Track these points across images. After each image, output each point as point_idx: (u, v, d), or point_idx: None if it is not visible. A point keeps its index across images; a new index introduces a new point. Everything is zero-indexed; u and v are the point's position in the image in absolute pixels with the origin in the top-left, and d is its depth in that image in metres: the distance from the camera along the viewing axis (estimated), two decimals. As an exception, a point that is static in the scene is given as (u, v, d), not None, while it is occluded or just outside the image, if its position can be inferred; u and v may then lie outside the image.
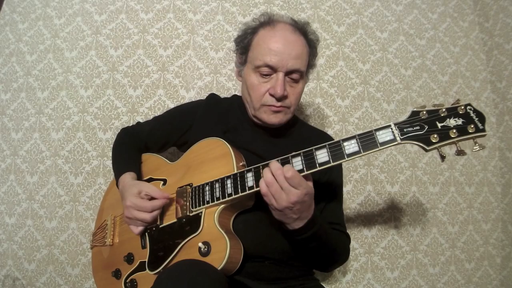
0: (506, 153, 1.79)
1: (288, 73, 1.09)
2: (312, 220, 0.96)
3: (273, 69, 1.08)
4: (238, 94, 1.35)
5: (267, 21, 1.15)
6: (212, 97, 1.32)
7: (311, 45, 1.18)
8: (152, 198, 1.07)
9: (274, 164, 0.92)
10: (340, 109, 1.77)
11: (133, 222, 1.08)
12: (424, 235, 1.73)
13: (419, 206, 1.75)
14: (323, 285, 1.16)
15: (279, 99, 1.09)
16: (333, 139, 1.30)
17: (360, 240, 1.68)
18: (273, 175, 0.90)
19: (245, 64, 1.17)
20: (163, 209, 1.11)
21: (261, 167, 0.97)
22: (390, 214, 1.72)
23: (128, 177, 1.15)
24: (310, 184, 0.93)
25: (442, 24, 1.94)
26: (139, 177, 1.21)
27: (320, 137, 1.26)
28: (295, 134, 1.24)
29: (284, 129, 1.20)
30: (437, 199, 1.77)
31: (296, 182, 0.89)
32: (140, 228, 1.09)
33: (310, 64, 1.20)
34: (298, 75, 1.11)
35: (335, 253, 1.11)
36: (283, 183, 0.89)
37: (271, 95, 1.09)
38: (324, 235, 1.02)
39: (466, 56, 1.93)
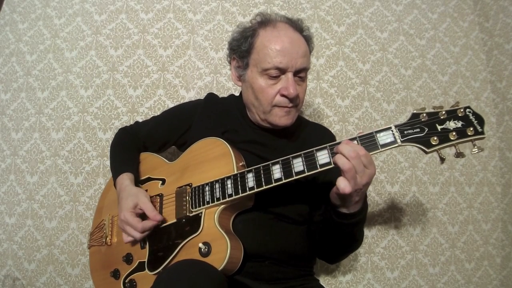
0: (506, 153, 1.79)
1: (296, 73, 1.08)
2: (364, 203, 0.97)
3: (282, 71, 1.07)
4: (236, 94, 1.35)
5: (265, 21, 1.13)
6: (211, 96, 1.31)
7: (308, 41, 1.16)
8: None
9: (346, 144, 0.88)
10: (340, 109, 1.77)
11: (124, 232, 1.08)
12: (424, 235, 1.73)
13: (419, 206, 1.75)
14: (323, 285, 1.17)
15: (291, 100, 1.09)
16: (333, 136, 1.30)
17: (360, 240, 1.68)
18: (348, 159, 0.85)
19: (247, 68, 1.13)
20: (163, 209, 1.11)
21: (261, 167, 0.97)
22: (390, 214, 1.72)
23: (126, 180, 1.15)
24: None
25: (442, 24, 1.94)
26: (137, 178, 1.21)
27: (321, 136, 1.25)
28: (296, 134, 1.23)
29: (285, 129, 1.18)
30: (437, 199, 1.77)
31: (368, 160, 0.87)
32: (130, 239, 1.07)
33: None
34: (304, 73, 1.12)
35: (362, 238, 1.12)
36: (359, 164, 0.86)
37: (283, 96, 1.08)
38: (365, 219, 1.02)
39: (466, 56, 1.93)
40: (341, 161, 0.86)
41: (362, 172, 0.86)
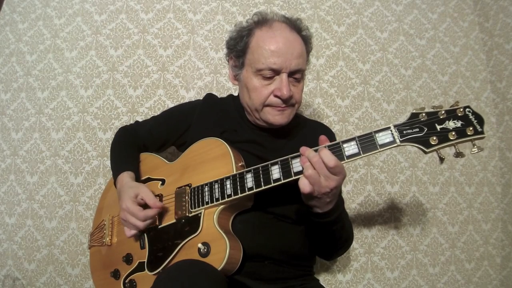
0: (506, 153, 1.79)
1: (291, 74, 1.07)
2: (337, 202, 0.97)
3: (276, 71, 1.06)
4: (234, 94, 1.35)
5: (262, 21, 1.12)
6: (210, 97, 1.31)
7: (306, 41, 1.15)
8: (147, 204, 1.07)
9: (311, 153, 0.89)
10: (340, 109, 1.77)
11: (127, 224, 1.08)
12: (424, 235, 1.73)
13: (419, 206, 1.75)
14: (323, 285, 1.17)
15: (285, 101, 1.08)
16: (333, 133, 1.30)
17: (360, 240, 1.68)
18: (311, 163, 0.88)
19: (242, 68, 1.13)
20: (162, 210, 1.11)
21: (260, 168, 0.97)
22: (390, 214, 1.72)
23: (126, 177, 1.15)
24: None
25: (442, 24, 1.94)
26: (138, 177, 1.21)
27: (320, 135, 1.24)
28: (295, 133, 1.23)
29: (284, 129, 1.18)
30: (437, 199, 1.77)
31: (338, 170, 0.88)
32: (133, 232, 1.08)
33: (307, 60, 1.18)
34: (300, 75, 1.10)
35: (349, 236, 1.13)
36: (323, 170, 0.88)
37: (277, 96, 1.07)
38: (345, 216, 1.03)
39: (466, 56, 1.93)
40: (305, 166, 0.89)
41: (327, 177, 0.88)
